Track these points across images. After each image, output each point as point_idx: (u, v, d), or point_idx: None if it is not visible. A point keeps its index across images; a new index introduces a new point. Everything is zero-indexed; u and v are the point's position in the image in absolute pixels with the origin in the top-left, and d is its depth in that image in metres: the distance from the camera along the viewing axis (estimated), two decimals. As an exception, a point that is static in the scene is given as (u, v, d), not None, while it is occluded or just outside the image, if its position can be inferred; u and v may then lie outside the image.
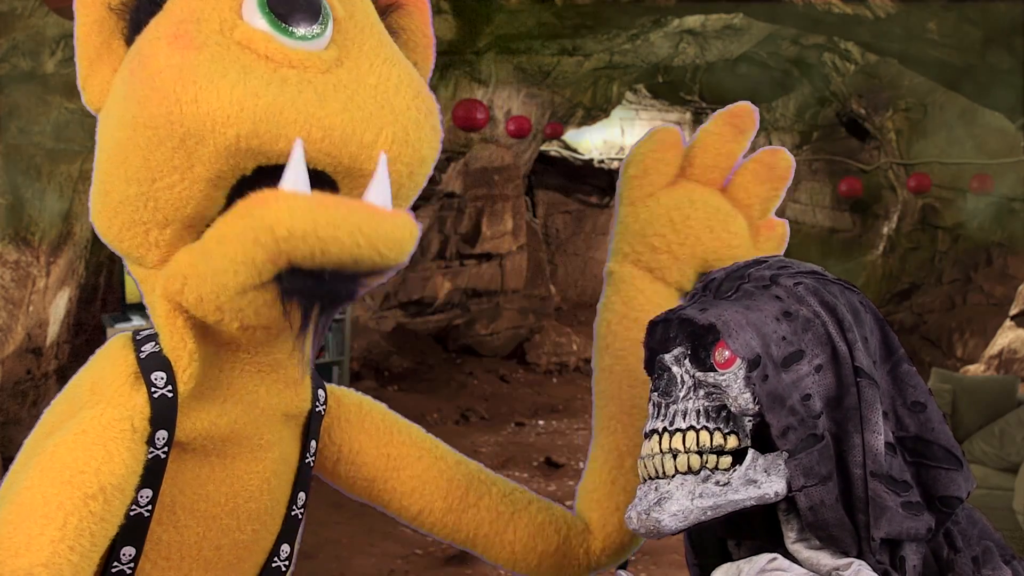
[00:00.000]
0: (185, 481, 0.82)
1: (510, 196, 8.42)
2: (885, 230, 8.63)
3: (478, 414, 6.82)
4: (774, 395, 0.76)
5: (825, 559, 0.75)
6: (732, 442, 0.78)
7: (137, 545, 0.79)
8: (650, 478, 0.79)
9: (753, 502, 0.77)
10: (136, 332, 0.84)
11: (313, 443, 0.96)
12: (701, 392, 0.79)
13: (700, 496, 0.76)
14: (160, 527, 0.81)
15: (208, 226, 0.74)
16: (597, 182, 11.13)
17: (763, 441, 0.78)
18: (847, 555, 0.76)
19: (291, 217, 0.65)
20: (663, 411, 0.80)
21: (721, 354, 0.78)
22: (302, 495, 0.95)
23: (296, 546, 0.97)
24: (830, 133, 8.91)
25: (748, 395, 0.77)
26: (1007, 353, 6.02)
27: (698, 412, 0.79)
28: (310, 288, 0.68)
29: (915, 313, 8.15)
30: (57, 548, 0.68)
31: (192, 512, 0.84)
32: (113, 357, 0.82)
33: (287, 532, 0.94)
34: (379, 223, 0.68)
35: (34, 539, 0.68)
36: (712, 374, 0.78)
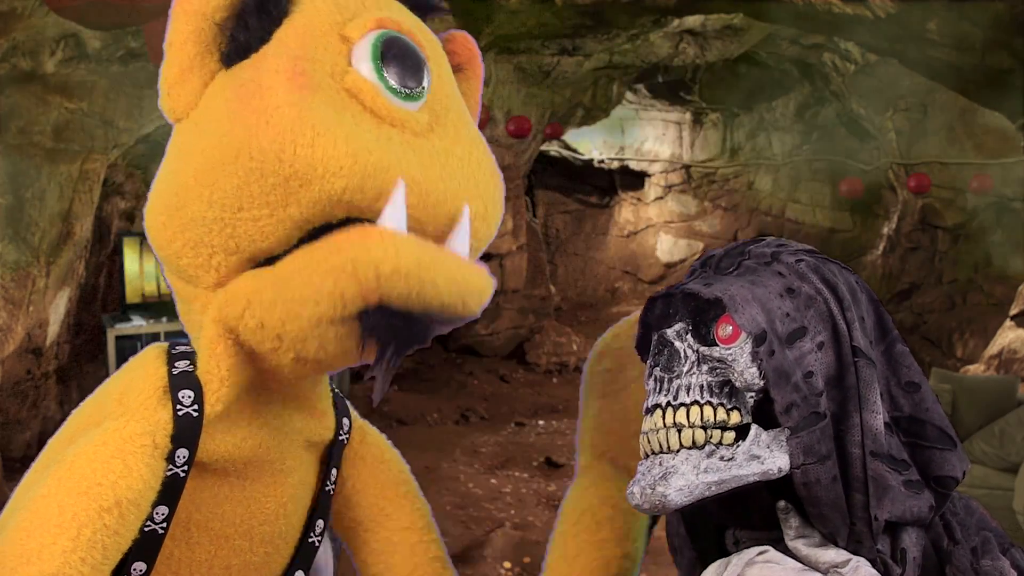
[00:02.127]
0: (202, 499, 0.82)
1: (510, 196, 8.38)
2: (885, 230, 8.63)
3: (478, 414, 6.82)
4: (779, 371, 0.76)
5: (824, 556, 0.75)
6: (735, 418, 0.78)
7: (149, 561, 0.79)
8: (653, 453, 0.78)
9: (756, 478, 0.76)
10: (173, 345, 0.84)
11: (334, 471, 0.96)
12: (705, 367, 0.79)
13: (705, 471, 0.75)
14: (172, 542, 0.81)
15: (268, 261, 0.74)
16: (597, 182, 11.13)
17: (764, 417, 0.78)
18: (836, 536, 0.76)
19: (398, 255, 0.67)
20: (666, 385, 0.79)
21: (724, 329, 0.78)
22: (320, 522, 0.95)
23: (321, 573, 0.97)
24: (830, 133, 8.91)
25: (754, 370, 0.77)
26: (1007, 353, 6.02)
27: (702, 387, 0.78)
28: (393, 327, 0.70)
29: (915, 313, 8.15)
30: (69, 559, 0.68)
31: (206, 530, 0.83)
32: (145, 368, 0.81)
33: (303, 558, 0.93)
34: (468, 273, 0.73)
35: (46, 548, 0.68)
36: (718, 348, 0.78)
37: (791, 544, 0.77)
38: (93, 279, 5.66)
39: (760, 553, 0.76)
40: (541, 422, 6.71)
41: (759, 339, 0.76)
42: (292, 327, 0.71)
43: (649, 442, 0.78)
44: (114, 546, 0.72)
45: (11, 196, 4.50)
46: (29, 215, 4.63)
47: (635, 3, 5.68)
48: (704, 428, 0.77)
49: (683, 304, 0.82)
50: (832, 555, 0.75)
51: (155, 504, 0.76)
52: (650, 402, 0.80)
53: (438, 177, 0.74)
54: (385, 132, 0.73)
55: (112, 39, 4.45)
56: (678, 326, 0.81)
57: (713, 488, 0.75)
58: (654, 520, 1.02)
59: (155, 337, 5.63)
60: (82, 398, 0.86)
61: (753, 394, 0.78)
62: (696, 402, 0.78)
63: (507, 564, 4.18)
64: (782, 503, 0.78)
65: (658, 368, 0.80)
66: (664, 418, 0.78)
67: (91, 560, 0.69)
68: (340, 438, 0.96)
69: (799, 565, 0.75)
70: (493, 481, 5.41)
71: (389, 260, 0.67)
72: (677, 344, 0.80)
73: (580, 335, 8.73)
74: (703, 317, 0.80)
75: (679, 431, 0.77)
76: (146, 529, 0.76)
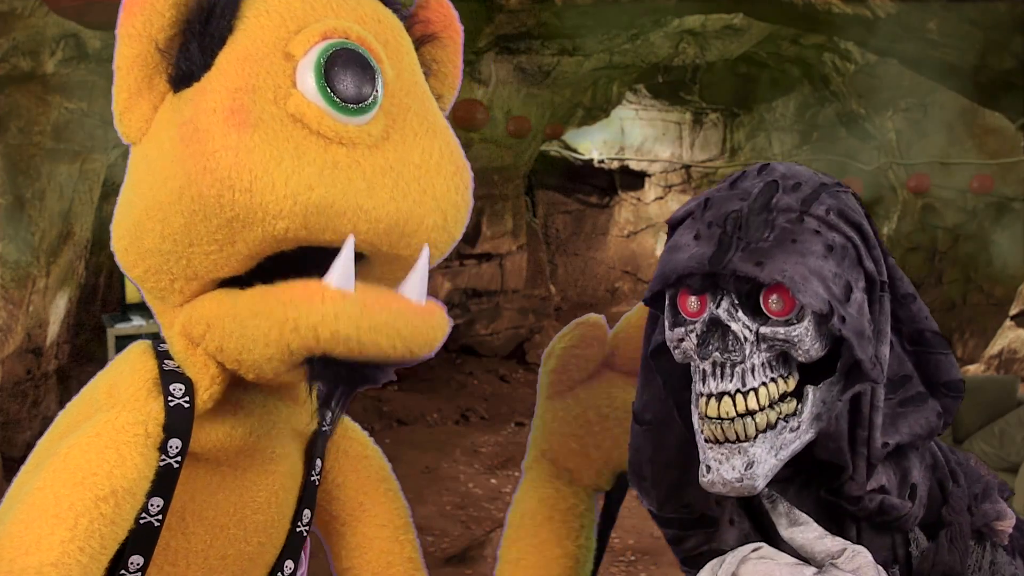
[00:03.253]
0: (196, 488, 0.83)
1: (510, 196, 8.42)
2: (885, 230, 8.63)
3: (478, 414, 6.82)
4: (857, 331, 0.76)
5: (819, 546, 0.75)
6: (792, 383, 0.78)
7: (145, 554, 0.79)
8: (728, 441, 0.77)
9: (815, 435, 0.77)
10: (156, 342, 0.84)
11: (319, 461, 0.96)
12: (763, 345, 0.77)
13: (780, 448, 0.76)
14: (169, 532, 0.82)
15: (233, 279, 0.74)
16: (597, 182, 11.13)
17: (804, 370, 0.79)
18: (841, 463, 0.78)
19: (336, 322, 0.67)
20: (728, 371, 0.77)
21: (776, 302, 0.76)
22: (307, 512, 0.95)
23: (301, 566, 0.97)
24: (830, 133, 8.91)
25: (818, 344, 0.76)
26: (1007, 353, 6.02)
27: (763, 365, 0.77)
28: (339, 374, 0.71)
29: (915, 313, 8.14)
30: (67, 548, 0.69)
31: (201, 520, 0.84)
32: (132, 363, 0.82)
33: (291, 548, 0.94)
34: (417, 325, 0.72)
35: (45, 538, 0.69)
36: (782, 329, 0.76)
37: (786, 535, 0.78)
38: (93, 279, 5.66)
39: (755, 550, 0.76)
40: (541, 422, 6.69)
41: (828, 314, 0.75)
42: (248, 357, 0.73)
43: (724, 432, 0.77)
44: (111, 535, 0.72)
45: (11, 196, 4.50)
46: (29, 215, 4.63)
47: (635, 3, 5.68)
48: (772, 406, 0.77)
49: (733, 282, 0.78)
50: (828, 544, 0.75)
51: (150, 495, 0.77)
52: (713, 388, 0.77)
53: (389, 198, 0.73)
54: (332, 157, 0.71)
55: (112, 39, 4.44)
56: (725, 304, 0.77)
57: (785, 460, 0.76)
58: (608, 520, 1.03)
59: (155, 337, 5.61)
60: (82, 398, 0.86)
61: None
62: (763, 383, 0.77)
63: (507, 564, 4.17)
64: (766, 490, 0.78)
65: (717, 352, 0.77)
66: (735, 406, 0.76)
67: (89, 549, 0.70)
68: (324, 428, 0.96)
69: (793, 560, 0.75)
70: (493, 481, 5.41)
71: (327, 325, 0.67)
72: (734, 326, 0.77)
73: (580, 335, 8.71)
74: (746, 288, 0.77)
75: (753, 417, 0.76)
76: (142, 521, 0.77)
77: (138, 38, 0.75)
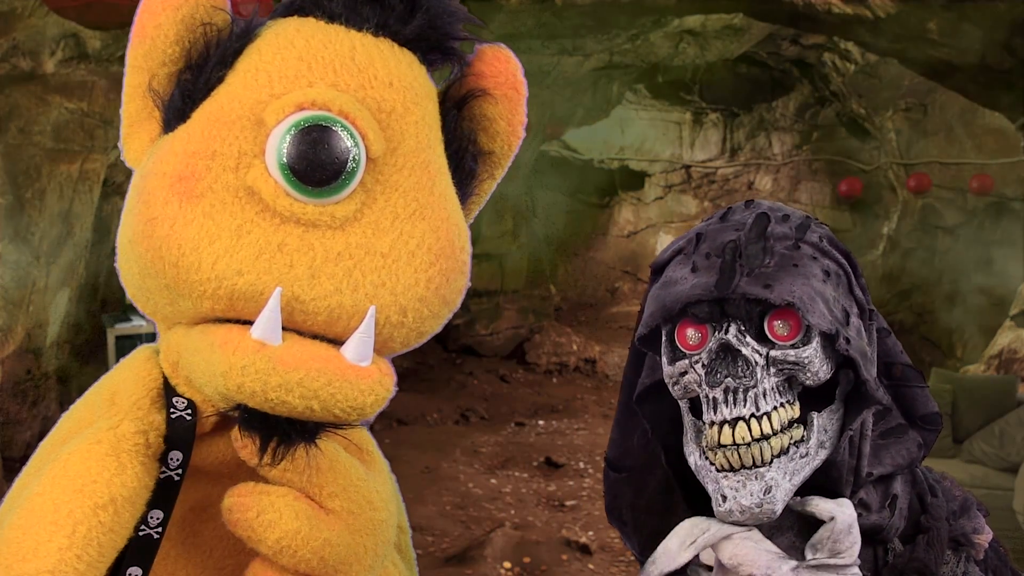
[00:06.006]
0: (197, 499, 0.82)
1: (510, 196, 8.42)
2: (885, 230, 8.63)
3: (478, 414, 6.82)
4: (861, 352, 0.77)
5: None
6: (797, 410, 0.78)
7: (144, 566, 0.78)
8: (743, 467, 0.76)
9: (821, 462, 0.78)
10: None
11: None
12: (772, 370, 0.77)
13: (794, 474, 0.76)
14: (168, 543, 0.81)
15: None
16: (597, 182, 11.13)
17: (804, 397, 0.80)
18: (837, 490, 0.78)
19: (242, 375, 0.65)
20: (741, 396, 0.77)
21: (782, 327, 0.77)
22: None
23: None
24: (830, 133, 8.91)
25: (826, 366, 0.77)
26: (1007, 353, 6.02)
27: (774, 390, 0.77)
28: (265, 426, 0.69)
29: (915, 313, 8.14)
30: (64, 556, 0.68)
31: (200, 531, 0.84)
32: (136, 370, 0.81)
33: None
34: (340, 388, 0.67)
35: (42, 545, 0.68)
36: (792, 352, 0.77)
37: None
38: (93, 279, 5.65)
39: (744, 532, 0.77)
40: (541, 422, 6.70)
41: (835, 335, 0.76)
42: (206, 391, 0.73)
43: (741, 458, 0.76)
44: (109, 543, 0.72)
45: (11, 196, 4.50)
46: (29, 215, 4.63)
47: (635, 3, 5.68)
48: (783, 431, 0.77)
49: (742, 307, 0.79)
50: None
51: (150, 507, 0.76)
52: (727, 414, 0.77)
53: (334, 290, 0.69)
54: (279, 238, 0.68)
55: (112, 39, 4.44)
56: (733, 330, 0.78)
57: (798, 485, 0.77)
58: None
59: (155, 338, 5.60)
60: (82, 398, 0.86)
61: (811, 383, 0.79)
62: (775, 408, 0.77)
63: (507, 564, 4.17)
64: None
65: (729, 378, 0.77)
66: (751, 431, 0.76)
67: (87, 557, 0.70)
68: None
69: (775, 549, 0.76)
70: (493, 481, 5.41)
71: (233, 378, 0.65)
72: (744, 351, 0.77)
73: (580, 335, 8.72)
74: (754, 312, 0.78)
75: (768, 441, 0.76)
76: (141, 533, 0.76)
77: (139, 69, 0.74)
